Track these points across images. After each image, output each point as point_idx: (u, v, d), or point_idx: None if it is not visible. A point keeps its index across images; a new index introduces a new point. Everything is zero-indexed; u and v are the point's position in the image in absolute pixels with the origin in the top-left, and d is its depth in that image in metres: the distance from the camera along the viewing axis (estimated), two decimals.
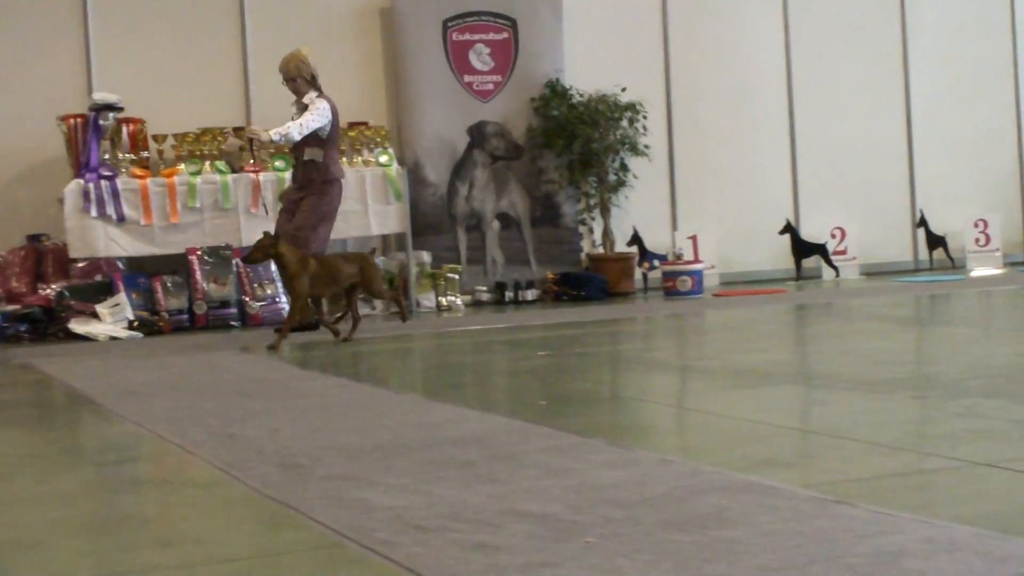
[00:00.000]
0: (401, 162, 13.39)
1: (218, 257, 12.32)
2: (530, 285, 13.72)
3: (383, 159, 13.07)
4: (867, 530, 3.56)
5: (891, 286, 13.81)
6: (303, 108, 10.70)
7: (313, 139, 10.65)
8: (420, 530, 3.79)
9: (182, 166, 12.54)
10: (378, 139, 13.23)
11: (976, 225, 15.99)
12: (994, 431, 5.12)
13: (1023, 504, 3.93)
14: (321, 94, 10.73)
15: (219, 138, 12.74)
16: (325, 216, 10.75)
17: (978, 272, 15.24)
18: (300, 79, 10.75)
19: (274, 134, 10.57)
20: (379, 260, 13.11)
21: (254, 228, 12.45)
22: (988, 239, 15.97)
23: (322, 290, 10.32)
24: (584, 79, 14.29)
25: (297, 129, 10.53)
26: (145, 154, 12.67)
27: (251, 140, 11.31)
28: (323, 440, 5.46)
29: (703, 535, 3.59)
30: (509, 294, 13.67)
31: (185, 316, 12.23)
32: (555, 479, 4.42)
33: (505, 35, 14.19)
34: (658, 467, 4.57)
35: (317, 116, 10.59)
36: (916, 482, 4.34)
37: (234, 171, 12.63)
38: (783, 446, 5.17)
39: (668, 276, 13.65)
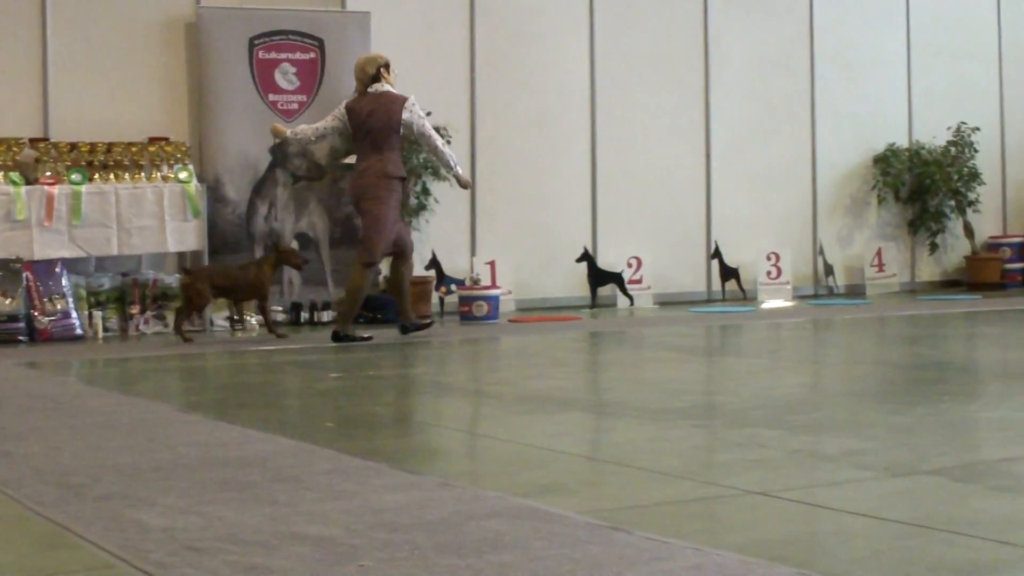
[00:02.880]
0: (201, 179, 13.26)
1: (8, 270, 12.06)
2: (327, 306, 13.67)
3: (183, 175, 12.93)
4: (639, 557, 3.61)
5: (684, 316, 14.03)
6: None
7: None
8: (194, 552, 3.75)
9: None
10: (178, 155, 13.09)
11: (768, 258, 16.34)
12: (770, 460, 5.23)
13: (791, 532, 4.02)
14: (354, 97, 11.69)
15: (14, 148, 12.48)
16: None
17: (768, 304, 15.57)
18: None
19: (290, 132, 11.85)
20: (173, 278, 12.99)
21: (47, 241, 12.26)
22: (779, 272, 16.33)
23: None
24: None
25: (308, 126, 11.92)
26: None
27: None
28: (103, 459, 5.38)
29: (478, 559, 3.60)
30: (305, 315, 13.62)
31: None
32: (336, 502, 4.41)
33: (312, 55, 14.14)
34: (439, 491, 4.58)
35: (325, 119, 11.84)
36: (692, 510, 4.40)
37: (28, 183, 12.39)
38: (567, 472, 5.22)
39: (465, 301, 13.70)
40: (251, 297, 12.00)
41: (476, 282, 14.11)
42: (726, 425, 6.31)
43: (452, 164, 11.71)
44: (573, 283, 15.48)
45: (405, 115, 11.32)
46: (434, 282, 14.39)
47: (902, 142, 17.63)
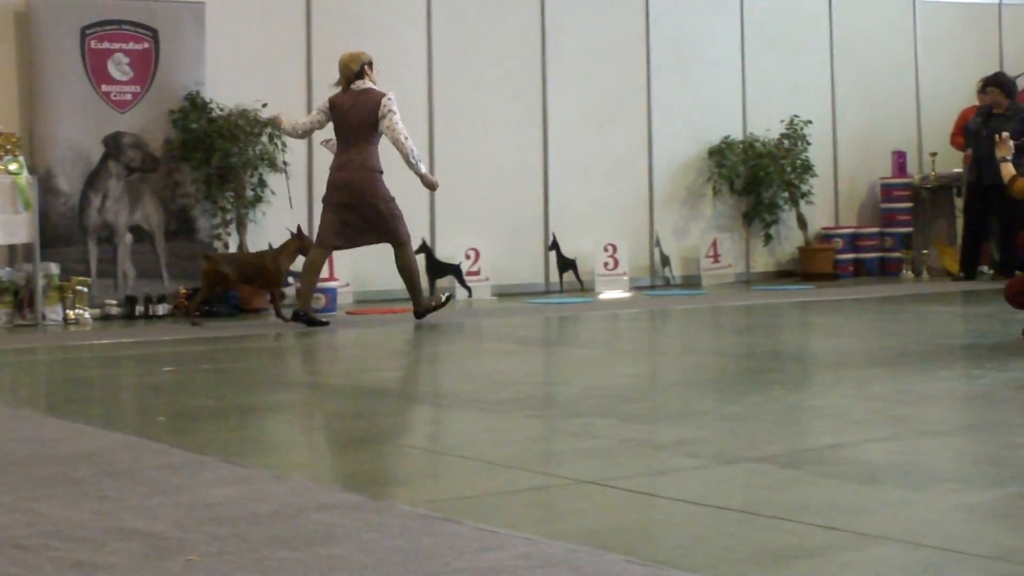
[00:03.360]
0: (32, 170, 13.01)
1: None
2: (162, 300, 13.49)
3: (12, 167, 12.68)
4: (469, 547, 3.63)
5: (521, 307, 14.08)
6: None
7: None
8: (19, 549, 3.70)
9: None
10: (8, 146, 12.84)
11: (606, 249, 16.45)
12: (602, 450, 5.28)
13: (621, 520, 4.07)
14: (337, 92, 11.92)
15: None
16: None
17: (606, 295, 15.69)
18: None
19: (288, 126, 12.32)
20: (5, 272, 12.75)
21: None
22: (616, 263, 16.46)
23: None
24: (225, 93, 14.11)
25: (298, 121, 12.41)
26: None
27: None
28: None
29: (308, 552, 3.60)
30: (140, 308, 13.42)
31: None
32: (165, 496, 4.37)
33: (146, 45, 13.93)
34: (271, 484, 4.56)
35: (312, 114, 12.36)
36: (523, 500, 4.44)
37: None
38: (400, 464, 5.23)
39: None
40: (267, 285, 12.29)
41: None
42: (560, 415, 6.36)
43: (412, 160, 11.83)
44: None
45: (381, 109, 11.65)
46: None
47: (737, 135, 17.84)
